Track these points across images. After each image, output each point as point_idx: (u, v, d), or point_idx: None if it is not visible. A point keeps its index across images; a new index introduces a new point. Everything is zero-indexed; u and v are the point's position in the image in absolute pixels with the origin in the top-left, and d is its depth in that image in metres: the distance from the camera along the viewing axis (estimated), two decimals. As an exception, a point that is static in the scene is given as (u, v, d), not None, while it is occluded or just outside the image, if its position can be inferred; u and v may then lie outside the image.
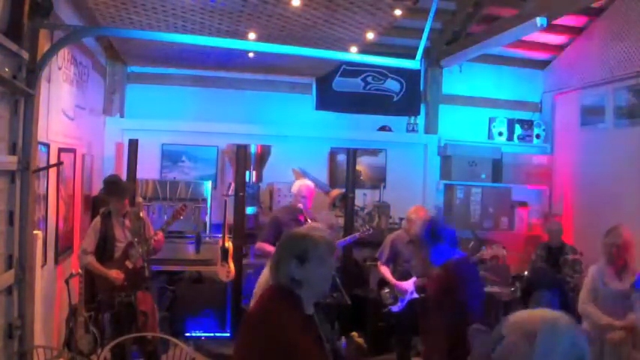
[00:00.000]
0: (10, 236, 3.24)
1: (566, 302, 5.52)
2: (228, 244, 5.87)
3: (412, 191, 7.36)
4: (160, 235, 4.79)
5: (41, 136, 3.70)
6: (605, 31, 6.56)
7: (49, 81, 4.10)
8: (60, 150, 4.50)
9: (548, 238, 6.50)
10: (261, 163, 6.64)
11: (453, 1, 6.40)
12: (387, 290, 5.25)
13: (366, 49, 5.00)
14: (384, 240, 5.48)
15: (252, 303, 3.22)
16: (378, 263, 5.42)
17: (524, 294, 5.52)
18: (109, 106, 6.73)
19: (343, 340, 5.98)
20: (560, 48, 7.45)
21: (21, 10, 3.17)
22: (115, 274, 4.53)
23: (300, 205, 5.09)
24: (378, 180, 7.43)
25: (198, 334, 6.02)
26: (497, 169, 7.49)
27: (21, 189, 3.31)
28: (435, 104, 7.64)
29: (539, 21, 5.03)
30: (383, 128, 7.55)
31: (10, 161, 3.21)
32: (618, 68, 6.29)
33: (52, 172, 4.26)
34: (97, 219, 4.77)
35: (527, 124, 7.70)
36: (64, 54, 4.54)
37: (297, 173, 6.64)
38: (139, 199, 5.84)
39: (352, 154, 6.52)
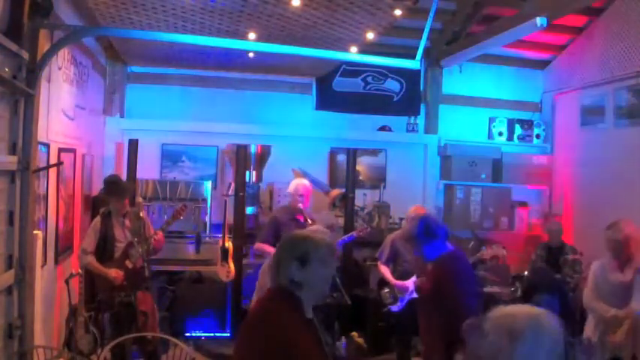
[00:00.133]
0: (10, 236, 3.24)
1: (566, 304, 5.53)
2: (228, 244, 5.87)
3: (412, 191, 7.36)
4: (160, 235, 4.79)
5: (41, 136, 3.70)
6: (605, 31, 6.56)
7: (49, 81, 4.10)
8: (60, 150, 4.50)
9: (548, 238, 6.51)
10: (261, 163, 6.64)
11: (453, 1, 6.40)
12: (386, 290, 5.25)
13: (366, 49, 5.00)
14: (384, 240, 5.48)
15: (253, 302, 3.22)
16: (378, 263, 5.42)
17: (525, 295, 5.52)
18: (109, 106, 6.73)
19: (343, 340, 5.98)
20: (560, 48, 7.45)
21: (21, 10, 3.17)
22: (115, 274, 4.53)
23: (299, 205, 5.09)
24: (378, 180, 7.43)
25: (198, 334, 6.01)
26: (497, 169, 7.49)
27: (21, 189, 3.31)
28: (435, 104, 7.64)
29: (539, 21, 5.03)
30: (383, 128, 7.55)
31: (10, 161, 3.20)
32: (618, 68, 6.29)
33: (52, 172, 4.26)
34: (97, 219, 4.78)
35: (527, 124, 7.70)
36: (64, 54, 4.54)
37: (297, 173, 6.63)
38: (139, 199, 5.84)
39: (352, 154, 6.52)
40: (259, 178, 6.64)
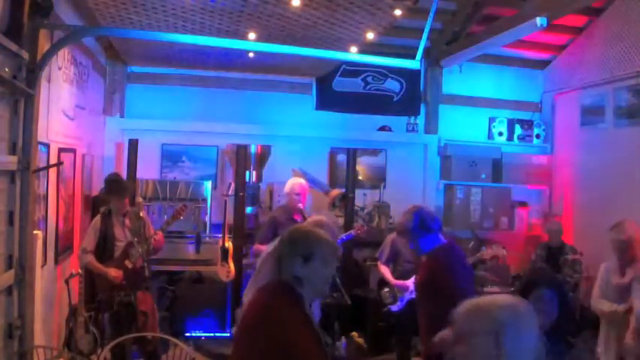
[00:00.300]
0: (10, 236, 3.24)
1: (566, 303, 5.52)
2: (228, 244, 5.87)
3: (412, 191, 7.35)
4: (160, 235, 4.79)
5: (41, 136, 3.70)
6: (605, 31, 6.56)
7: (49, 81, 4.10)
8: (60, 150, 4.50)
9: (548, 238, 6.51)
10: (261, 163, 6.64)
11: (453, 1, 6.40)
12: (386, 290, 5.25)
13: (366, 49, 5.00)
14: (385, 240, 5.48)
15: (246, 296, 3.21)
16: (378, 263, 5.42)
17: (524, 290, 5.51)
18: (109, 106, 6.73)
19: (343, 340, 5.98)
20: (560, 48, 7.45)
21: (21, 10, 3.17)
22: (115, 274, 4.53)
23: (298, 205, 5.07)
24: (378, 180, 7.43)
25: (198, 334, 6.02)
26: (497, 169, 7.49)
27: (21, 189, 3.30)
28: (435, 104, 7.64)
29: (539, 21, 5.03)
30: (383, 128, 7.55)
31: (10, 161, 3.20)
32: (618, 68, 6.30)
33: (52, 172, 4.26)
34: (97, 218, 4.78)
35: (527, 124, 7.70)
36: (64, 54, 4.54)
37: (297, 173, 6.63)
38: (139, 199, 5.84)
39: (352, 154, 6.52)
40: (259, 178, 6.64)
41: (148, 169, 6.54)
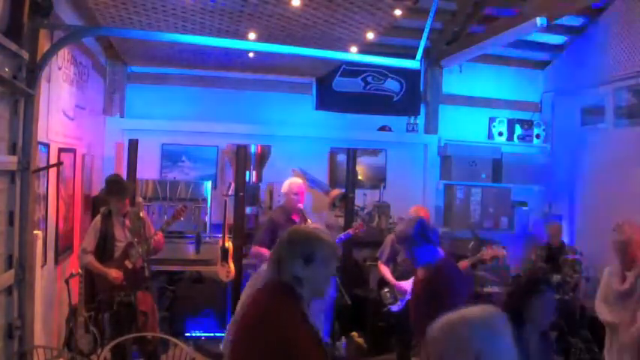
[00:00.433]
0: (10, 236, 3.24)
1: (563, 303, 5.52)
2: (228, 244, 5.87)
3: (412, 191, 7.36)
4: (160, 235, 4.79)
5: (41, 136, 3.70)
6: (605, 31, 6.56)
7: (49, 81, 4.10)
8: (60, 150, 4.50)
9: (548, 238, 6.52)
10: (261, 163, 6.64)
11: (453, 1, 6.40)
12: (386, 290, 5.25)
13: (366, 49, 5.00)
14: (385, 239, 5.48)
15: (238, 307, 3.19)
16: (379, 263, 5.42)
17: (523, 293, 5.52)
18: (109, 106, 6.73)
19: (343, 340, 5.99)
20: (560, 48, 7.45)
21: (21, 10, 3.17)
22: (115, 274, 4.53)
23: (297, 205, 5.03)
24: (378, 180, 7.43)
25: (198, 334, 6.01)
26: (497, 169, 7.49)
27: (21, 189, 3.31)
28: (435, 104, 7.65)
29: (539, 21, 5.03)
30: (383, 128, 7.55)
31: (10, 161, 3.20)
32: (618, 68, 6.30)
33: (52, 172, 4.26)
34: (97, 218, 4.78)
35: (527, 124, 7.70)
36: (64, 54, 4.54)
37: (297, 173, 6.64)
38: (139, 199, 5.84)
39: (352, 154, 6.52)
40: (259, 178, 6.64)
41: (148, 169, 6.55)
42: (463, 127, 7.69)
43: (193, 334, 6.00)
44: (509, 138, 7.67)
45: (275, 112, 7.23)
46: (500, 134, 7.67)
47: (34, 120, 3.39)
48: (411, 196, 7.12)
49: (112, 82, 6.73)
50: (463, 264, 5.36)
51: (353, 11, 4.09)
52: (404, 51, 5.81)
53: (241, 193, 6.03)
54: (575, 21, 6.83)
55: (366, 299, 6.09)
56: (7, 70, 3.07)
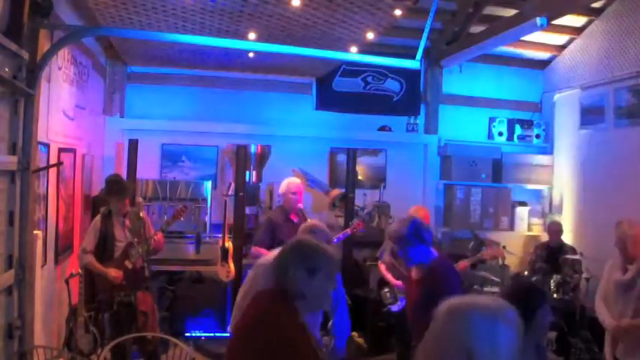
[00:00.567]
0: (10, 236, 3.24)
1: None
2: (228, 244, 5.87)
3: (412, 191, 7.36)
4: (160, 235, 4.79)
5: (41, 136, 3.70)
6: (605, 31, 6.56)
7: (49, 81, 4.10)
8: (60, 150, 4.50)
9: (548, 238, 6.51)
10: (261, 163, 6.64)
11: (453, 1, 6.40)
12: (387, 290, 5.25)
13: (366, 49, 5.00)
14: (385, 239, 5.47)
15: (235, 312, 3.19)
16: (379, 262, 5.42)
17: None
18: (109, 106, 6.73)
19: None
20: (560, 48, 7.45)
21: (21, 10, 3.17)
22: (114, 274, 4.53)
23: (296, 205, 5.00)
24: (378, 180, 7.44)
25: (198, 334, 6.01)
26: (497, 169, 7.49)
27: (21, 189, 3.31)
28: (435, 104, 7.65)
29: (539, 21, 5.03)
30: (383, 128, 7.55)
31: (10, 161, 3.20)
32: (618, 68, 6.30)
33: (52, 172, 4.26)
34: (97, 218, 4.78)
35: (527, 124, 7.70)
36: (64, 54, 4.54)
37: (297, 173, 6.64)
38: (139, 199, 5.84)
39: (352, 154, 6.52)
40: (259, 178, 6.64)
41: (147, 169, 6.55)
42: (463, 127, 7.69)
43: (193, 334, 5.99)
44: (509, 138, 7.67)
45: (275, 112, 7.23)
46: (500, 134, 7.67)
47: (34, 120, 3.38)
48: (411, 196, 7.12)
49: (112, 82, 6.73)
50: (463, 264, 5.36)
51: (353, 11, 4.09)
52: (404, 51, 5.81)
53: (241, 193, 6.03)
54: (575, 21, 6.83)
55: (366, 299, 6.09)
56: (7, 70, 3.07)
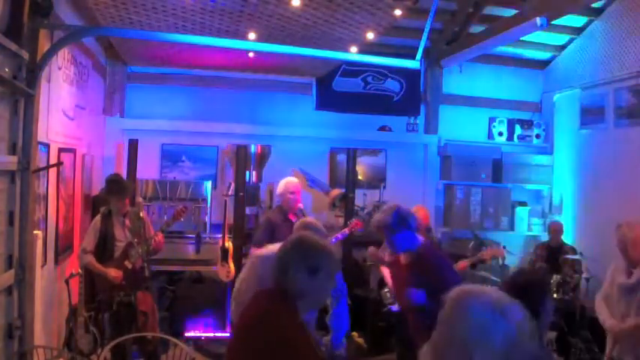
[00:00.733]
0: (10, 236, 3.24)
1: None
2: (228, 244, 5.87)
3: (412, 191, 7.36)
4: (160, 236, 4.79)
5: (41, 136, 3.70)
6: (605, 31, 6.56)
7: (49, 81, 4.10)
8: (60, 150, 4.50)
9: (548, 238, 6.51)
10: (261, 163, 6.64)
11: (453, 1, 6.40)
12: (387, 290, 5.24)
13: (366, 49, 5.00)
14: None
15: (233, 306, 3.19)
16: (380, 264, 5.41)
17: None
18: (109, 106, 6.73)
19: (343, 340, 5.97)
20: (560, 48, 7.45)
21: (21, 10, 3.17)
22: (114, 274, 4.53)
23: (296, 204, 4.97)
24: (378, 180, 7.44)
25: (198, 334, 6.01)
26: (497, 169, 7.49)
27: (21, 189, 3.31)
28: (435, 104, 7.65)
29: (539, 21, 5.03)
30: (383, 128, 7.56)
31: (10, 161, 3.20)
32: (618, 68, 6.30)
33: (52, 172, 4.26)
34: (97, 218, 4.78)
35: (527, 124, 7.71)
36: (64, 54, 4.54)
37: (297, 173, 6.63)
38: (139, 199, 5.84)
39: (352, 154, 6.52)
40: (259, 178, 6.64)
41: (147, 169, 6.55)
42: (463, 127, 7.69)
43: (193, 334, 5.99)
44: (509, 138, 7.67)
45: (275, 112, 7.23)
46: (500, 134, 7.67)
47: (34, 120, 3.39)
48: (411, 196, 7.11)
49: (112, 82, 6.73)
50: (463, 264, 5.37)
51: (353, 11, 4.09)
52: (404, 51, 5.81)
53: (241, 193, 6.03)
54: (575, 21, 6.83)
55: (366, 299, 6.09)
56: (7, 70, 3.07)
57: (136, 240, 4.50)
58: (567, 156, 7.35)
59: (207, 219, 6.36)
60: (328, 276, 2.23)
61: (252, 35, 4.63)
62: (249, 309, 2.29)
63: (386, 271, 5.27)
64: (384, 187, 7.30)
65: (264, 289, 2.33)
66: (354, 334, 6.12)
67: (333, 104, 7.35)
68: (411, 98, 7.56)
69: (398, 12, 4.09)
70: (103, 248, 4.68)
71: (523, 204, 7.56)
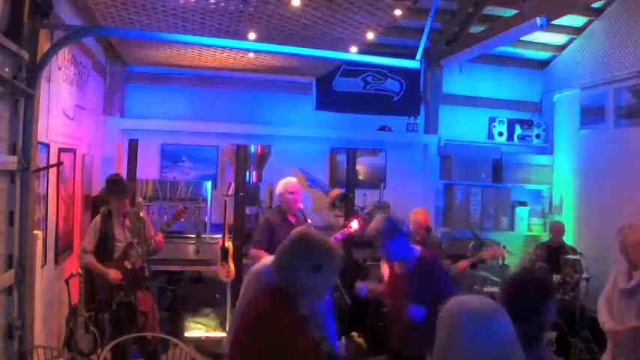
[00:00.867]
0: (10, 236, 3.24)
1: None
2: (228, 244, 5.86)
3: (412, 191, 7.36)
4: (160, 236, 4.79)
5: (41, 136, 3.70)
6: (605, 31, 6.56)
7: (49, 81, 4.10)
8: (60, 150, 4.50)
9: (548, 238, 6.51)
10: (261, 163, 6.64)
11: (453, 1, 6.40)
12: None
13: (366, 49, 5.00)
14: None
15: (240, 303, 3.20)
16: (381, 262, 5.40)
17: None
18: (109, 106, 6.73)
19: (343, 340, 5.97)
20: (560, 48, 7.45)
21: (21, 10, 3.17)
22: (114, 274, 4.53)
23: (295, 205, 4.93)
24: (378, 180, 7.44)
25: (198, 334, 6.01)
26: (497, 169, 7.49)
27: (21, 189, 3.31)
28: (435, 104, 7.65)
29: (539, 21, 5.03)
30: (383, 128, 7.56)
31: (10, 161, 3.20)
32: (618, 68, 6.30)
33: (52, 172, 4.26)
34: (97, 218, 4.78)
35: (527, 124, 7.71)
36: (64, 54, 4.54)
37: (297, 173, 6.63)
38: (139, 199, 5.84)
39: (352, 154, 6.52)
40: (259, 178, 6.64)
41: (147, 169, 6.55)
42: (463, 127, 7.69)
43: (193, 334, 5.99)
44: (509, 138, 7.67)
45: (275, 112, 7.23)
46: (500, 134, 7.67)
47: (34, 120, 3.39)
48: (411, 196, 7.12)
49: (112, 82, 6.73)
50: (463, 264, 5.37)
51: (353, 11, 4.09)
52: (404, 51, 5.81)
53: (241, 193, 6.03)
54: (575, 21, 6.83)
55: (366, 299, 6.08)
56: (7, 70, 3.07)
57: (136, 240, 4.51)
58: (567, 156, 7.35)
59: (207, 219, 6.36)
60: (331, 272, 2.24)
61: (252, 35, 4.63)
62: (249, 309, 2.29)
63: (386, 272, 5.28)
64: (384, 187, 7.30)
65: (264, 289, 2.33)
66: (354, 334, 6.12)
67: (333, 104, 7.35)
68: (411, 98, 7.56)
69: (398, 12, 4.09)
70: (103, 248, 4.68)
71: (523, 204, 7.55)
